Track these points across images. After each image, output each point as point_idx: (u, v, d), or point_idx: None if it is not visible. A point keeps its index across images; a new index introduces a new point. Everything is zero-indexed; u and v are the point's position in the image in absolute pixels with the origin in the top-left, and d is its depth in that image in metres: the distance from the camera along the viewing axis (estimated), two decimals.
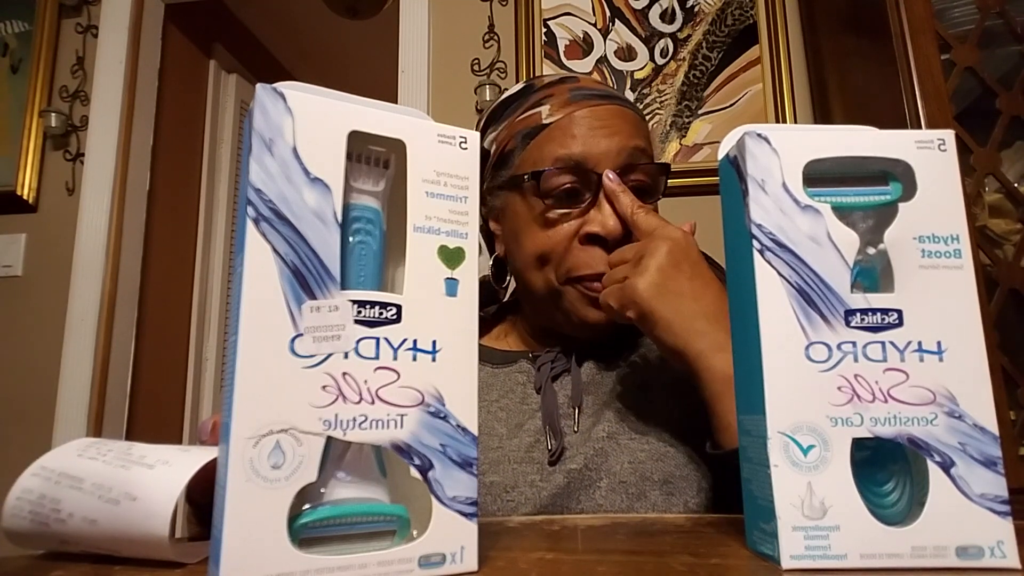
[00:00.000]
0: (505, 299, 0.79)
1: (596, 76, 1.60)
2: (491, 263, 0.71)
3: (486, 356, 0.70)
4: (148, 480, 0.31)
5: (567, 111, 0.64)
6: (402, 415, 0.27)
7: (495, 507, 0.58)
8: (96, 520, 0.30)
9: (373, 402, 0.27)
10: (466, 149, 0.31)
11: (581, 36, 1.63)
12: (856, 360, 0.28)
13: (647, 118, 1.56)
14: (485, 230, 0.72)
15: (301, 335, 0.26)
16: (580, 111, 0.64)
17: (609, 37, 1.62)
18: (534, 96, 0.67)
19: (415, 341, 0.28)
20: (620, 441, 0.59)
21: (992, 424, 0.28)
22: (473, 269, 0.30)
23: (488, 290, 0.76)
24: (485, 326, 0.76)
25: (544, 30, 1.64)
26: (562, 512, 0.57)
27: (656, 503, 0.55)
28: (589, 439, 0.60)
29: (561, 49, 1.63)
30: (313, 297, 0.26)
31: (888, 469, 0.29)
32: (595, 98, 0.66)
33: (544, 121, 0.64)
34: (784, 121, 1.49)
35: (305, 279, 0.26)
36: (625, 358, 0.66)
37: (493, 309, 0.78)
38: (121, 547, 0.31)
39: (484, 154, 0.70)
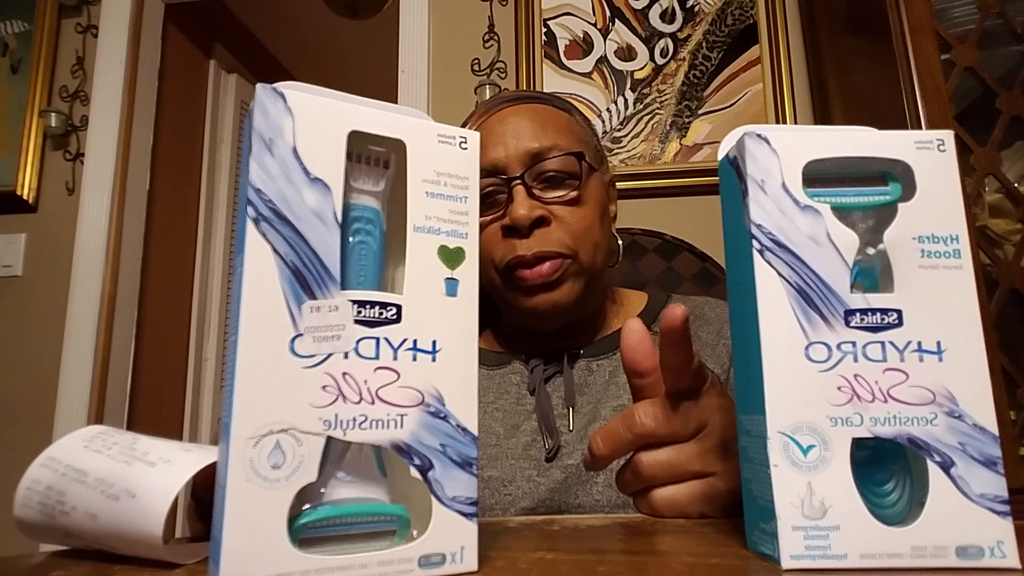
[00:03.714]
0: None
1: (596, 76, 1.60)
2: None
3: (481, 358, 0.71)
4: (148, 478, 0.31)
5: (479, 122, 0.68)
6: (402, 415, 0.27)
7: (493, 501, 0.59)
8: (96, 515, 0.30)
9: (373, 402, 0.27)
10: (466, 149, 0.31)
11: (581, 36, 1.63)
12: (856, 360, 0.28)
13: (647, 118, 1.56)
14: None
15: (301, 335, 0.26)
16: (489, 119, 0.67)
17: (609, 37, 1.62)
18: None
19: (415, 341, 0.28)
20: None
21: (992, 424, 0.28)
22: (473, 269, 0.30)
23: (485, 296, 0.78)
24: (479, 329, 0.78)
25: (544, 30, 1.64)
26: (560, 506, 0.58)
27: None
28: (585, 436, 0.61)
29: (561, 49, 1.63)
30: (313, 297, 0.26)
31: (888, 469, 0.29)
32: (506, 102, 0.69)
33: None
34: (784, 121, 1.49)
35: (305, 279, 0.26)
36: (615, 357, 0.67)
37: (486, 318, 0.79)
38: (118, 544, 0.31)
39: None
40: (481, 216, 0.64)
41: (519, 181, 0.63)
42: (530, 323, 0.67)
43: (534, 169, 0.63)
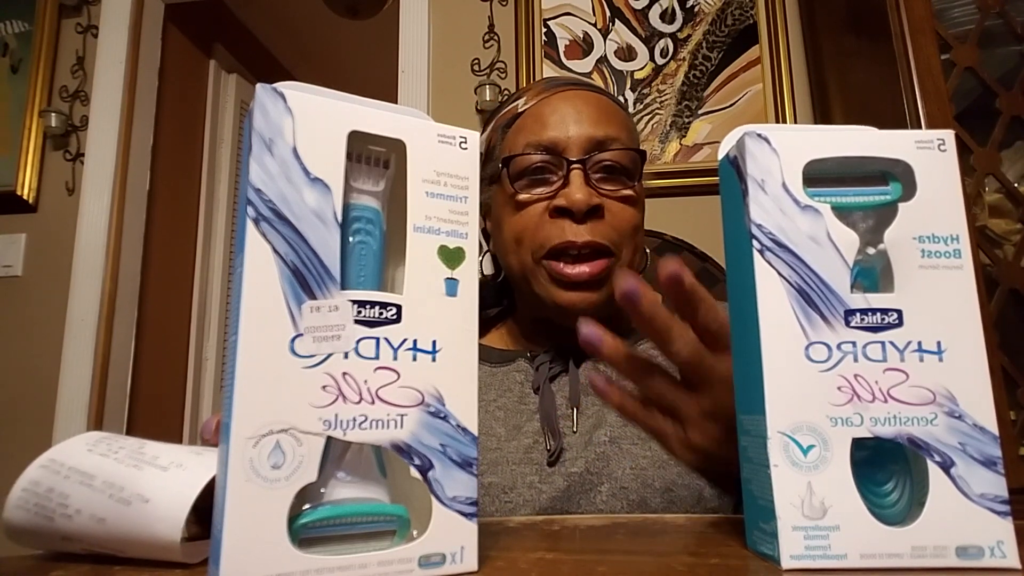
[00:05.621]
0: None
1: (596, 76, 1.60)
2: (480, 259, 0.72)
3: (484, 355, 0.70)
4: (162, 483, 0.31)
5: (540, 98, 0.66)
6: (402, 415, 0.27)
7: (493, 508, 0.58)
8: (104, 519, 0.30)
9: (373, 402, 0.27)
10: (466, 149, 0.31)
11: (581, 36, 1.63)
12: (856, 360, 0.28)
13: (647, 118, 1.56)
14: (481, 229, 0.73)
15: (301, 335, 0.26)
16: (552, 96, 0.66)
17: (609, 37, 1.62)
18: (516, 94, 0.70)
19: (415, 341, 0.28)
20: (622, 446, 0.59)
21: (992, 424, 0.28)
22: (473, 269, 0.30)
23: (492, 293, 0.77)
24: (485, 326, 0.77)
25: (544, 30, 1.64)
26: (561, 515, 0.57)
27: (656, 511, 0.55)
28: (590, 443, 0.60)
29: (561, 49, 1.63)
30: (313, 297, 0.26)
31: (888, 469, 0.29)
32: (568, 85, 0.68)
33: (520, 110, 0.67)
34: (784, 121, 1.49)
35: (305, 279, 0.26)
36: None
37: (494, 312, 0.78)
38: (127, 548, 0.31)
39: None
40: (522, 192, 0.62)
41: (579, 165, 0.61)
42: (556, 318, 0.64)
43: (595, 157, 0.62)
